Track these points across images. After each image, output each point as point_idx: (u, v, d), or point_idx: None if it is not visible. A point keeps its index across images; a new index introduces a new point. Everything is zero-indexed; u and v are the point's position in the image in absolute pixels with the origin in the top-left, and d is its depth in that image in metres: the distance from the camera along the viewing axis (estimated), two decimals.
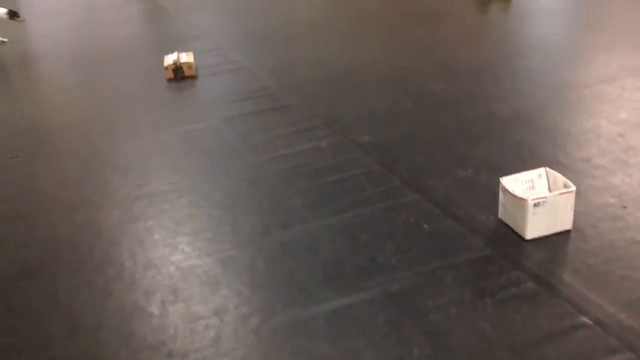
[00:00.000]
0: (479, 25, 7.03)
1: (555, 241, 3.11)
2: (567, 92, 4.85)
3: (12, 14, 7.43)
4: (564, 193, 3.11)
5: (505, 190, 3.18)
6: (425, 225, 3.28)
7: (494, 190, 3.32)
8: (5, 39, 7.54)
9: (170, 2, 8.87)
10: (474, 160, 3.92)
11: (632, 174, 3.66)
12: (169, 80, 5.77)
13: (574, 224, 3.17)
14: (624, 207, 3.35)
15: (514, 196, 3.12)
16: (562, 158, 3.87)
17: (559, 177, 3.24)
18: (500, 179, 3.24)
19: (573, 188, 3.12)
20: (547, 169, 3.32)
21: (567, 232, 3.15)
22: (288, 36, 7.00)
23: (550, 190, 3.27)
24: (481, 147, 4.10)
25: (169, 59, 5.89)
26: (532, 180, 3.31)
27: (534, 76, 5.22)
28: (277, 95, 5.22)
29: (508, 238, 3.14)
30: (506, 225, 3.22)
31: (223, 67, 6.07)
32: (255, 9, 8.32)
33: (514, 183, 3.26)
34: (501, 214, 3.27)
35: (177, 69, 5.81)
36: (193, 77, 5.81)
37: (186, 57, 5.92)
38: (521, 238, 3.12)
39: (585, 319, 2.59)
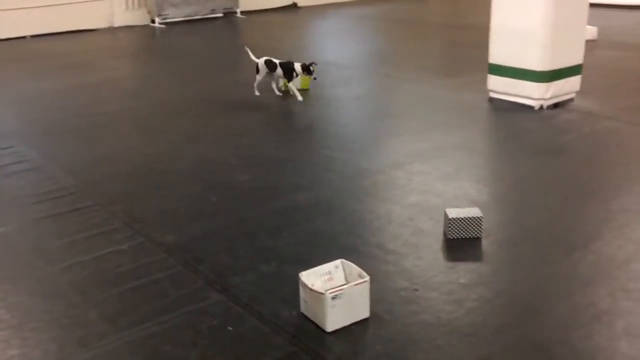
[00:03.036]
0: (279, 115, 7.31)
1: (355, 331, 3.21)
2: (362, 179, 5.14)
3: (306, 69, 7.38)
4: (359, 283, 3.24)
5: (304, 285, 3.26)
6: (229, 328, 3.24)
7: (296, 283, 3.38)
8: None
9: None
10: (277, 253, 3.99)
11: (422, 256, 3.92)
12: None
13: (372, 311, 3.31)
14: (416, 290, 3.56)
15: (312, 290, 3.20)
16: (359, 245, 4.06)
17: (354, 268, 3.38)
18: (299, 274, 3.32)
19: (367, 278, 3.27)
20: (343, 260, 3.46)
21: (366, 320, 3.28)
22: (87, 131, 6.77)
23: (347, 281, 3.40)
24: (284, 239, 4.19)
25: None
26: (329, 272, 3.42)
27: (333, 165, 5.49)
28: (75, 196, 4.99)
29: (310, 332, 3.19)
30: (308, 319, 3.28)
31: (17, 166, 5.71)
32: (53, 102, 7.99)
33: (313, 277, 3.35)
34: (303, 308, 3.33)
35: None
36: None
37: None
38: (323, 331, 3.19)
39: None
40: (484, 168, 5.49)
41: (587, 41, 10.39)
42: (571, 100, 7.26)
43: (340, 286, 3.27)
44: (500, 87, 7.23)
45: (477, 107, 7.19)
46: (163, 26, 13.88)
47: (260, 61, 7.62)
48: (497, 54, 7.18)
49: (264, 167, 5.51)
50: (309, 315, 3.28)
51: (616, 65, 9.18)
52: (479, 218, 4.10)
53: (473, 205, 4.43)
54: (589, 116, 6.79)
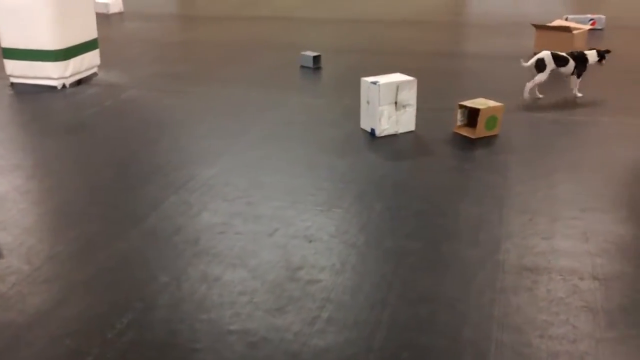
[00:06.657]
0: None
1: None
2: None
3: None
4: None
5: None
6: None
7: None
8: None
9: None
10: None
11: None
12: None
13: None
14: None
15: None
16: None
17: None
18: None
19: None
20: None
21: None
22: None
23: None
24: None
25: None
26: None
27: None
28: None
29: None
30: None
31: None
32: None
33: None
34: None
35: None
36: None
37: None
38: None
39: None
40: (25, 159, 5.27)
41: (115, 14, 10.80)
42: (95, 74, 7.42)
43: None
44: (18, 70, 6.99)
45: None
46: None
47: (547, 54, 6.25)
48: (9, 37, 6.90)
49: None
50: None
51: (140, 36, 9.68)
52: None
53: None
54: (112, 88, 7.04)
